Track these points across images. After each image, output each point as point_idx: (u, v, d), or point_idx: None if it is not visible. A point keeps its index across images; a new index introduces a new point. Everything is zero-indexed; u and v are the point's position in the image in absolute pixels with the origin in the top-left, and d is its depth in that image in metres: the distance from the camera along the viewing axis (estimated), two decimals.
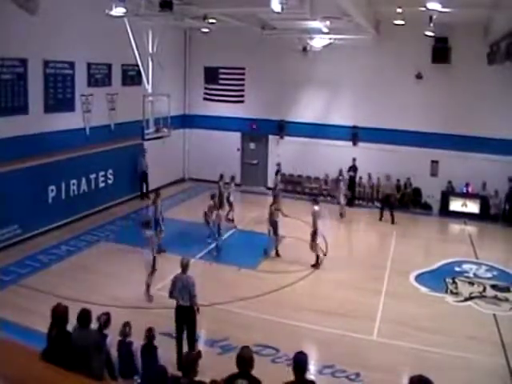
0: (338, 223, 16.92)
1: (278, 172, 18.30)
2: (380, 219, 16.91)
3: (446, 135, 17.51)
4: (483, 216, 17.31)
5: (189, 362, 4.91)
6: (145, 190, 18.32)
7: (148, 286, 10.55)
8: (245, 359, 5.10)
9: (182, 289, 8.00)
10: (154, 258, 10.63)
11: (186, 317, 8.01)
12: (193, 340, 8.07)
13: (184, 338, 8.06)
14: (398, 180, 18.30)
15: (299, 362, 5.05)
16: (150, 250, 10.59)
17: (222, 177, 16.37)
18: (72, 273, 11.63)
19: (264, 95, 20.04)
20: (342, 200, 17.35)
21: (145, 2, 11.85)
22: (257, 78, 20.11)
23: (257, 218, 15.76)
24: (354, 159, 18.58)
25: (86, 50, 14.85)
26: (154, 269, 10.58)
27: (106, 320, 6.46)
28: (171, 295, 8.17)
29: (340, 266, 12.83)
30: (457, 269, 12.87)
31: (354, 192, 18.77)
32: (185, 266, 8.24)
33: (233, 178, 16.57)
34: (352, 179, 18.65)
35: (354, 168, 18.63)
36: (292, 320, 9.84)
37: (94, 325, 6.23)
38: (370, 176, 18.88)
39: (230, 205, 15.89)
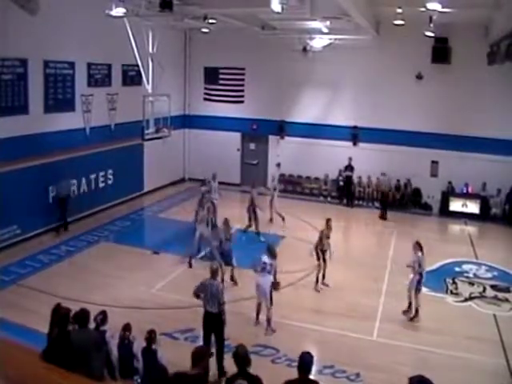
0: (338, 223, 16.90)
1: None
2: (380, 217, 16.87)
3: (446, 135, 17.50)
4: (483, 216, 17.32)
5: (199, 354, 4.95)
6: (64, 220, 14.35)
7: None
8: (239, 357, 5.11)
9: (211, 296, 7.83)
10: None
11: (215, 324, 7.88)
12: (222, 347, 7.87)
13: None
14: (398, 180, 18.33)
15: (305, 362, 5.02)
16: None
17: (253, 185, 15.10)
18: (72, 273, 11.62)
19: (264, 95, 20.03)
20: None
21: (145, 3, 11.85)
22: (257, 79, 20.10)
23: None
24: (350, 158, 18.55)
25: (86, 50, 14.82)
26: None
27: (102, 319, 6.47)
28: (197, 297, 8.01)
29: (340, 266, 12.81)
30: (457, 269, 12.87)
31: (351, 191, 18.75)
32: (214, 272, 8.09)
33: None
34: (349, 179, 18.65)
35: (350, 167, 18.62)
36: (292, 320, 9.83)
37: (90, 325, 6.23)
38: (369, 177, 18.85)
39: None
